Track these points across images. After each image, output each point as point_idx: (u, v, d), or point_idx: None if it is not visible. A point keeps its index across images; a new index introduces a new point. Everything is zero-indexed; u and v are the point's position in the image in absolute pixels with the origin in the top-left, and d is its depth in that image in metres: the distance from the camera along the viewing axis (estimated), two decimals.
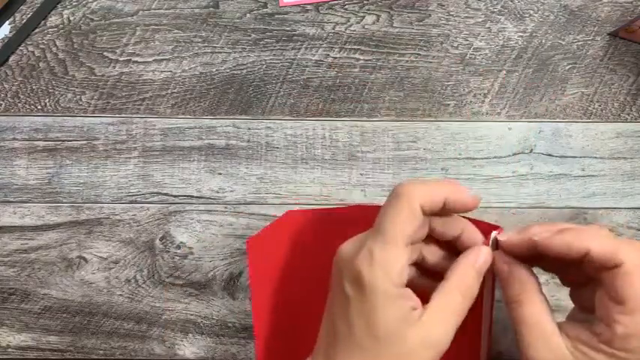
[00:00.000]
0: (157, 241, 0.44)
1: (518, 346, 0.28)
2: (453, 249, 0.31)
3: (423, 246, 0.31)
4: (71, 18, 0.46)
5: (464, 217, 0.31)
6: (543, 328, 0.27)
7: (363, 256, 0.27)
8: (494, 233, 0.30)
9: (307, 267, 0.39)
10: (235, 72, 0.45)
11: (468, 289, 0.28)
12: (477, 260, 0.29)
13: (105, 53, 0.46)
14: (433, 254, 0.31)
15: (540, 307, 0.28)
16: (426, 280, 0.31)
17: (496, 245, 0.30)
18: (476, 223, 0.31)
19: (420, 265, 0.31)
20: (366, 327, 0.26)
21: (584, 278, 0.28)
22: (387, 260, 0.26)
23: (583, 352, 0.26)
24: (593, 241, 0.26)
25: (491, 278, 0.31)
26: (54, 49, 0.46)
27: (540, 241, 0.27)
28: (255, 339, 0.40)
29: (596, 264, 0.26)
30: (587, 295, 0.28)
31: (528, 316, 0.27)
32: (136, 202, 0.44)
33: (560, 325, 0.28)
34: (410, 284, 0.29)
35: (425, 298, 0.28)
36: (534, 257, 0.29)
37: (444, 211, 0.29)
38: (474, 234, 0.30)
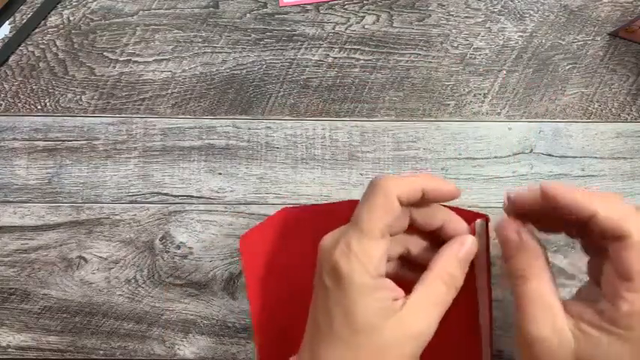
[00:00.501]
0: (157, 241, 0.44)
1: (518, 321, 0.27)
2: (438, 240, 0.30)
3: (407, 238, 0.30)
4: (71, 18, 0.46)
5: (447, 206, 0.30)
6: (548, 305, 0.26)
7: (340, 248, 0.26)
8: (479, 221, 0.30)
9: (301, 262, 0.39)
10: (235, 72, 0.45)
11: (451, 279, 0.28)
12: (460, 249, 0.28)
13: (105, 53, 0.46)
14: (417, 246, 0.31)
15: (546, 282, 0.27)
16: (411, 273, 0.31)
17: (486, 234, 0.30)
18: (462, 212, 0.31)
19: (405, 257, 0.31)
20: (345, 319, 0.26)
21: (595, 248, 0.27)
22: (364, 252, 0.26)
23: (585, 331, 0.25)
24: (601, 204, 0.25)
25: (485, 271, 0.31)
26: (54, 49, 0.46)
27: (552, 193, 0.26)
28: (254, 334, 0.40)
29: (601, 230, 0.25)
30: (599, 267, 0.27)
31: (533, 291, 0.26)
32: (136, 202, 0.44)
33: (564, 303, 0.27)
34: (395, 276, 0.28)
35: (411, 290, 0.28)
36: (542, 219, 0.28)
37: (424, 201, 0.28)
38: (457, 223, 0.30)
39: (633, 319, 0.24)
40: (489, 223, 0.30)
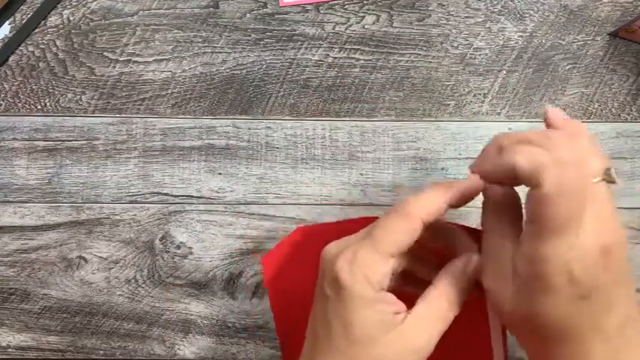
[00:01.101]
0: (157, 241, 0.44)
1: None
2: (444, 256, 0.30)
3: (413, 253, 0.30)
4: (71, 18, 0.46)
5: (455, 224, 0.30)
6: (498, 256, 0.26)
7: (345, 257, 0.26)
8: None
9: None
10: (235, 72, 0.45)
11: (454, 296, 0.28)
12: (466, 267, 0.28)
13: (105, 53, 0.46)
14: (422, 262, 0.31)
15: (501, 235, 0.27)
16: (415, 288, 0.30)
17: None
18: (470, 230, 0.30)
19: (409, 272, 0.31)
20: (343, 330, 0.26)
21: None
22: (369, 265, 0.26)
23: (516, 274, 0.25)
24: (521, 156, 0.25)
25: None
26: (54, 49, 0.46)
27: (481, 174, 0.27)
28: (282, 353, 0.40)
29: (523, 181, 0.25)
30: None
31: (489, 245, 0.27)
32: (136, 202, 0.44)
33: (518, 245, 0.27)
34: (399, 291, 0.28)
35: (413, 305, 0.28)
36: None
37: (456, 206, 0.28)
38: (464, 241, 0.30)
39: (521, 259, 0.24)
40: None
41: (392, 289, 0.29)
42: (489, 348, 0.33)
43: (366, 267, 0.26)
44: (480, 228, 0.29)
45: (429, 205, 0.27)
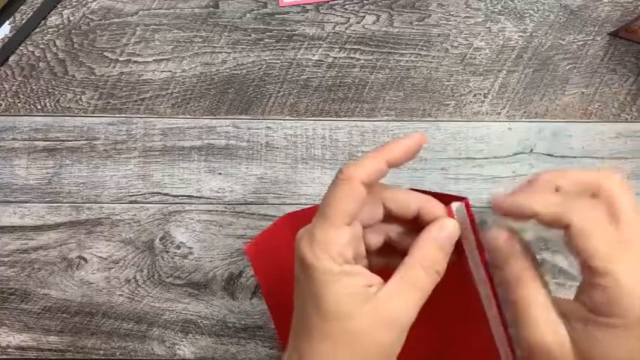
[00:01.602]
0: (157, 241, 0.44)
1: (517, 326, 0.26)
2: (419, 225, 0.30)
3: (388, 227, 0.30)
4: (71, 18, 0.46)
5: (423, 191, 0.30)
6: (546, 310, 0.26)
7: (306, 238, 0.27)
8: (456, 204, 0.29)
9: None
10: (235, 72, 0.45)
11: (430, 264, 0.27)
12: (439, 233, 0.28)
13: (105, 53, 0.46)
14: (399, 234, 0.30)
15: (539, 287, 0.26)
16: (397, 260, 0.30)
17: (469, 217, 0.29)
18: (439, 195, 0.30)
19: (393, 247, 0.31)
20: (316, 307, 0.26)
21: None
22: (326, 240, 0.26)
23: (577, 328, 0.25)
24: (539, 203, 0.25)
25: (480, 263, 0.30)
26: (54, 49, 0.46)
27: (497, 206, 0.27)
28: (277, 341, 0.40)
29: (548, 225, 0.25)
30: None
31: (528, 296, 0.26)
32: (136, 202, 0.44)
33: (556, 303, 0.26)
34: (387, 268, 0.28)
35: None
36: None
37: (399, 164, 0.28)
38: (434, 207, 0.29)
39: (613, 304, 0.23)
40: (470, 207, 0.30)
41: (380, 267, 0.29)
42: (482, 311, 0.32)
43: (323, 243, 0.26)
44: (441, 191, 0.30)
45: (367, 166, 0.27)
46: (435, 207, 0.29)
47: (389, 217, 0.29)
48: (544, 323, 0.26)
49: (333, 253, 0.26)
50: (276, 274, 0.39)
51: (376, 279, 0.27)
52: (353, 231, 0.27)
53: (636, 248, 0.24)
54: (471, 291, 0.31)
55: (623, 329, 0.23)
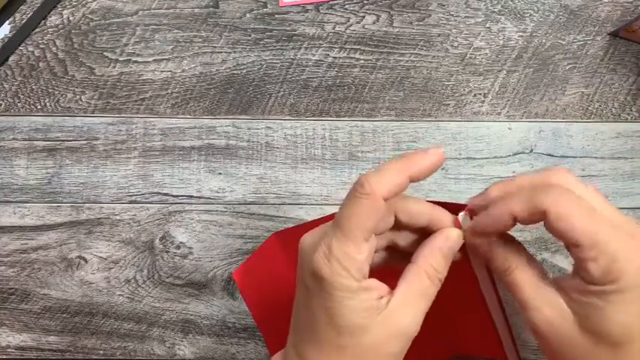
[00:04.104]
0: (157, 241, 0.44)
1: (523, 312, 0.27)
2: (424, 232, 0.30)
3: (394, 233, 0.30)
4: (71, 18, 0.46)
5: (431, 201, 0.30)
6: (543, 289, 0.26)
7: (322, 251, 0.26)
8: (461, 215, 0.30)
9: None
10: (235, 72, 0.45)
11: (434, 272, 0.27)
12: (444, 243, 0.28)
13: (105, 53, 0.46)
14: (405, 239, 0.30)
15: (530, 267, 0.27)
16: (400, 261, 0.30)
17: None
18: (447, 205, 0.30)
19: (393, 247, 0.31)
20: (329, 320, 0.26)
21: None
22: (346, 256, 0.25)
23: (578, 300, 0.25)
24: (513, 206, 0.26)
25: (483, 266, 0.31)
26: (54, 49, 0.46)
27: (472, 206, 0.28)
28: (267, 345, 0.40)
29: (529, 221, 0.26)
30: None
31: (521, 278, 0.27)
32: (135, 202, 0.44)
33: (553, 280, 0.27)
34: (384, 265, 0.28)
35: (395, 278, 0.28)
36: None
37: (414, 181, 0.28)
38: (441, 217, 0.29)
39: (608, 271, 0.24)
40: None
41: (377, 265, 0.29)
42: (485, 305, 0.33)
43: (342, 259, 0.25)
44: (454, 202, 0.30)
45: (389, 181, 0.26)
46: (444, 217, 0.29)
47: (397, 225, 0.29)
48: (540, 300, 0.26)
49: (353, 270, 0.26)
50: (266, 297, 0.38)
51: (384, 288, 0.27)
52: (371, 246, 0.27)
53: (609, 218, 0.26)
54: (473, 287, 0.31)
55: (620, 293, 0.24)
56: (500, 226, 0.27)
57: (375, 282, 0.27)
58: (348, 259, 0.26)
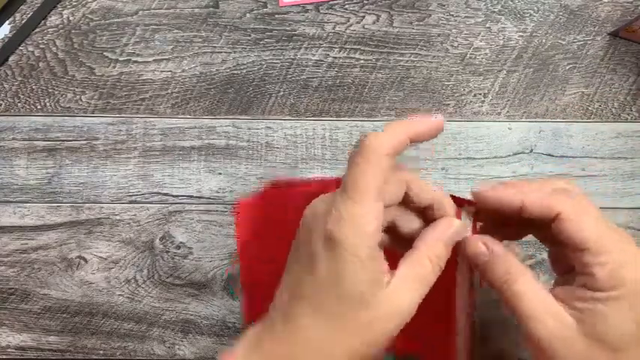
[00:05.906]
0: (157, 241, 0.44)
1: (522, 324, 0.27)
2: (426, 217, 0.30)
3: (397, 212, 0.30)
4: (71, 18, 0.46)
5: (439, 188, 0.30)
6: (543, 300, 0.26)
7: (334, 215, 0.25)
8: (466, 208, 0.30)
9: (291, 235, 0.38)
10: (235, 72, 0.45)
11: (436, 259, 0.28)
12: (448, 230, 0.28)
13: (105, 53, 0.46)
14: (406, 221, 0.30)
15: (530, 279, 0.27)
16: (398, 245, 0.30)
17: (473, 224, 0.30)
18: (454, 198, 0.30)
19: (392, 230, 0.31)
20: (334, 288, 0.25)
21: (551, 240, 0.28)
22: (357, 218, 0.25)
23: (580, 308, 0.26)
24: (527, 195, 0.27)
25: (467, 267, 0.31)
26: (54, 49, 0.46)
27: (479, 197, 0.28)
28: (243, 294, 0.40)
29: (536, 217, 0.27)
30: (562, 254, 0.28)
31: (521, 290, 0.27)
32: (135, 202, 0.44)
33: (552, 292, 0.27)
34: (384, 249, 0.28)
35: (394, 264, 0.28)
36: (506, 221, 0.29)
37: (414, 143, 0.28)
38: (446, 206, 0.29)
39: (613, 277, 0.25)
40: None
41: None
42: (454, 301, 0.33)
43: (355, 221, 0.25)
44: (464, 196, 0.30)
45: (389, 139, 0.26)
46: (448, 205, 0.29)
47: (404, 201, 0.29)
48: (543, 312, 0.26)
49: (367, 235, 0.25)
50: (256, 235, 0.38)
51: (387, 266, 0.27)
52: (380, 210, 0.26)
53: (613, 227, 0.26)
54: (446, 294, 0.31)
55: (623, 299, 0.25)
56: (505, 203, 0.27)
57: (382, 255, 0.27)
58: (360, 223, 0.25)
